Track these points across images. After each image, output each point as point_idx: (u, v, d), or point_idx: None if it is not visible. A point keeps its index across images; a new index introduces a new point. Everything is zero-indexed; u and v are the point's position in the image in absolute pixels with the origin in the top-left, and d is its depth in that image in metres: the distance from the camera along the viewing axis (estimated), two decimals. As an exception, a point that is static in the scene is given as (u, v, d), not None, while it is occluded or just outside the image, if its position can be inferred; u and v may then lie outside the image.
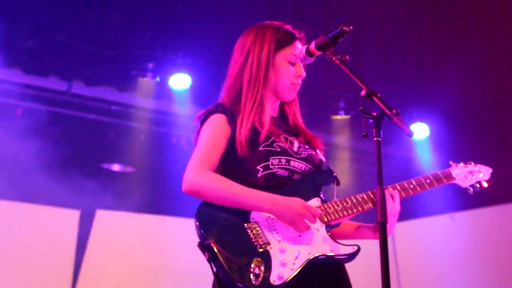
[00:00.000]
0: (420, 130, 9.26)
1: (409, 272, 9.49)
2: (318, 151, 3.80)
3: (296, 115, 3.90)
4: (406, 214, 8.92)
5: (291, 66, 3.76)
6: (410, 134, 3.08)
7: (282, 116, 3.89)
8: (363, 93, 3.18)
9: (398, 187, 3.71)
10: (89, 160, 9.54)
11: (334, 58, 3.38)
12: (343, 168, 9.45)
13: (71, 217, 9.02)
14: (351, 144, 9.70)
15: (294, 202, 3.40)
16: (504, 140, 9.24)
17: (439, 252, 9.34)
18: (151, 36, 8.39)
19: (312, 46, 3.50)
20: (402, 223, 9.29)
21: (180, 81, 8.65)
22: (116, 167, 9.88)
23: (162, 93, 8.91)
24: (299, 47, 3.72)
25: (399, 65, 9.21)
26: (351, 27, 3.33)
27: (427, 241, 9.35)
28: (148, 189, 9.51)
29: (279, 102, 3.88)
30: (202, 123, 3.69)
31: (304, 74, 3.78)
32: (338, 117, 9.33)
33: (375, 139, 3.11)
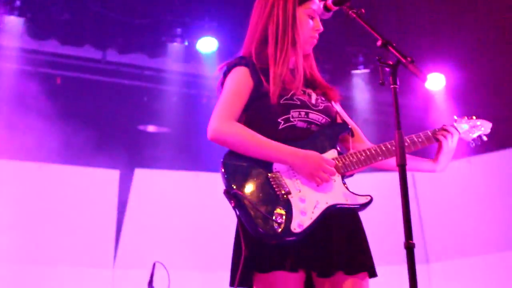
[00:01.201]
0: (436, 81, 9.17)
1: (431, 214, 9.46)
2: (333, 102, 3.78)
3: (312, 67, 3.85)
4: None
5: (310, 20, 3.72)
6: (424, 80, 3.06)
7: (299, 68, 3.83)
8: (378, 43, 3.16)
9: (408, 141, 3.64)
10: (126, 122, 9.60)
11: (350, 11, 3.37)
12: (364, 120, 9.41)
13: (111, 177, 9.08)
14: (371, 97, 9.66)
15: (313, 156, 3.39)
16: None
17: (459, 195, 9.29)
18: (178, 2, 8.36)
19: (329, 1, 3.48)
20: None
21: (208, 45, 8.64)
22: (151, 128, 9.94)
23: (191, 57, 8.91)
24: (317, 2, 3.70)
25: (413, 18, 9.08)
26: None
27: (447, 185, 9.28)
28: (182, 147, 9.54)
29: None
30: (225, 75, 3.66)
31: (321, 28, 3.72)
32: (358, 71, 9.30)
33: (392, 86, 3.09)
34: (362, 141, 3.81)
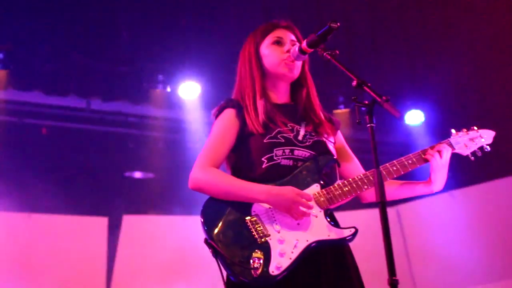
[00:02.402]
0: (415, 117, 9.22)
1: (418, 248, 9.46)
2: (326, 135, 3.75)
3: (309, 98, 3.83)
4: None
5: (277, 46, 3.77)
6: (400, 117, 3.05)
7: (294, 102, 3.86)
8: (354, 83, 3.17)
9: (397, 165, 3.61)
10: (113, 169, 9.58)
11: (324, 53, 3.39)
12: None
13: (100, 224, 9.05)
14: (352, 135, 9.68)
15: (286, 191, 3.37)
16: (496, 119, 9.19)
17: (443, 228, 9.30)
18: (159, 49, 8.40)
19: (304, 44, 3.51)
20: (404, 204, 9.28)
21: (190, 90, 8.64)
22: (138, 174, 9.92)
23: (174, 102, 8.90)
24: (287, 34, 3.81)
25: (391, 56, 9.16)
26: (338, 24, 3.33)
27: (431, 218, 9.31)
28: (168, 192, 9.51)
29: (287, 86, 3.86)
30: (216, 118, 3.72)
31: (292, 48, 3.69)
32: (339, 110, 9.33)
33: (368, 125, 3.10)
34: (356, 169, 3.82)
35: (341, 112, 9.30)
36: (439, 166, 3.60)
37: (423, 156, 3.63)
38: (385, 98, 3.04)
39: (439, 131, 8.96)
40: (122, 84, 8.63)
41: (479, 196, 9.16)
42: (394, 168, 3.58)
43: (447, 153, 3.63)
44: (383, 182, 3.03)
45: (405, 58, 9.29)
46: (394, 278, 2.88)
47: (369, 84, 3.15)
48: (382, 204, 2.98)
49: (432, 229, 9.42)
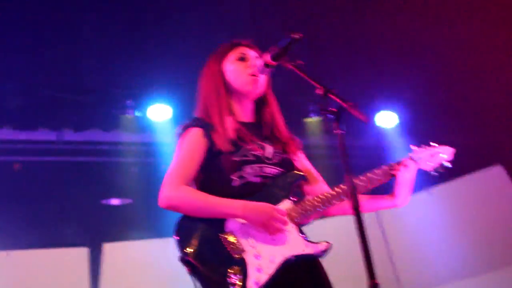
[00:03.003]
0: (388, 119, 9.25)
1: (400, 249, 9.46)
2: (291, 154, 3.79)
3: (273, 116, 3.87)
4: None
5: (241, 62, 3.79)
6: (366, 121, 3.07)
7: (258, 120, 3.88)
8: (319, 91, 3.19)
9: (365, 179, 3.59)
10: (89, 199, 9.52)
11: (288, 64, 3.41)
12: (322, 165, 9.42)
13: (80, 255, 8.95)
14: (326, 142, 9.70)
15: (263, 207, 3.39)
16: (467, 113, 9.30)
17: (423, 225, 9.32)
18: (125, 74, 8.35)
19: (268, 57, 3.53)
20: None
21: (160, 112, 8.62)
22: (114, 201, 9.87)
23: (145, 126, 8.87)
24: (249, 51, 3.86)
25: (362, 58, 9.16)
26: (301, 34, 3.35)
27: (411, 218, 9.32)
28: (147, 216, 9.47)
29: (252, 104, 3.88)
30: (180, 136, 3.70)
31: (256, 63, 3.74)
32: (310, 119, 9.34)
33: (336, 132, 3.11)
34: (321, 187, 3.82)
35: (313, 120, 9.32)
36: (405, 181, 3.62)
37: (390, 171, 3.63)
38: (351, 104, 3.06)
39: (414, 132, 9.05)
40: (91, 113, 8.62)
41: (456, 192, 9.21)
42: (361, 184, 3.57)
43: (412, 168, 3.63)
44: (355, 188, 3.05)
45: (374, 61, 9.31)
46: (374, 281, 2.87)
47: (333, 91, 3.17)
48: (356, 210, 2.99)
49: (413, 228, 9.43)
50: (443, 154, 3.73)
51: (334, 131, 3.11)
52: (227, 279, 3.23)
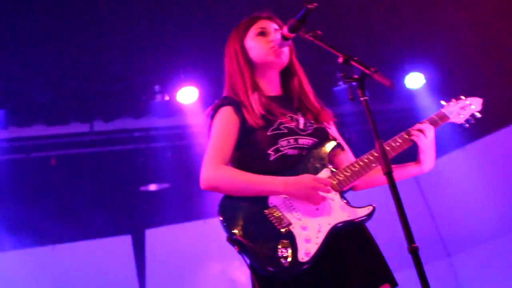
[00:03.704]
0: (415, 80, 9.17)
1: (441, 209, 9.44)
2: (325, 123, 3.77)
3: (302, 86, 3.84)
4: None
5: (262, 37, 3.77)
6: (391, 86, 3.03)
7: (286, 93, 3.86)
8: (340, 60, 3.17)
9: (387, 147, 3.58)
10: (127, 187, 9.60)
11: (306, 35, 3.40)
12: (356, 132, 9.39)
13: (124, 243, 9.06)
14: (357, 109, 9.62)
15: (304, 178, 3.38)
16: (498, 67, 9.18)
17: (461, 183, 9.27)
18: (150, 60, 8.34)
19: (285, 30, 3.51)
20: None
21: (188, 94, 8.60)
22: (153, 187, 9.93)
23: (175, 110, 8.86)
24: (269, 24, 3.82)
25: (384, 23, 9.06)
26: (315, 4, 3.31)
27: (448, 176, 9.28)
28: (186, 199, 9.51)
29: (278, 76, 3.86)
30: (212, 117, 3.68)
31: (275, 37, 3.70)
32: (339, 88, 9.25)
33: (362, 98, 3.09)
34: (349, 157, 3.80)
35: (342, 88, 9.23)
36: (426, 145, 3.62)
37: (408, 137, 3.63)
38: (373, 69, 3.04)
39: (441, 92, 8.95)
40: (120, 101, 8.61)
41: (490, 147, 9.12)
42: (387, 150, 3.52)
43: (429, 132, 3.65)
44: (386, 153, 3.03)
45: (399, 23, 9.20)
46: (413, 245, 2.84)
47: (355, 58, 3.14)
48: (389, 175, 2.98)
49: (451, 186, 9.40)
50: (473, 105, 3.85)
51: (360, 98, 3.09)
52: (278, 252, 3.22)
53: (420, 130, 3.63)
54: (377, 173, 3.60)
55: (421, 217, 9.37)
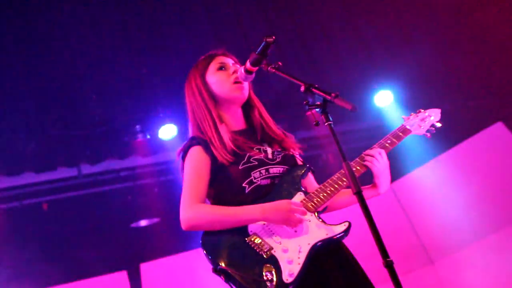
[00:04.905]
0: (384, 98, 9.22)
1: (421, 218, 9.44)
2: (291, 150, 3.78)
3: (263, 117, 3.87)
4: (397, 172, 8.96)
5: (222, 71, 3.77)
6: (353, 110, 3.04)
7: (249, 125, 3.87)
8: (302, 88, 3.18)
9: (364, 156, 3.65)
10: (119, 225, 9.53)
11: (269, 68, 3.41)
12: (333, 152, 9.42)
13: (121, 279, 8.98)
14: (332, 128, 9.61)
15: (280, 203, 3.39)
16: (459, 78, 9.27)
17: (437, 192, 9.30)
18: (129, 102, 8.34)
19: (248, 64, 3.52)
20: (397, 181, 9.27)
21: (168, 131, 8.60)
22: (143, 222, 9.87)
23: (157, 147, 8.86)
24: (227, 59, 3.85)
25: (349, 44, 9.12)
26: (273, 37, 3.33)
27: (424, 187, 9.31)
28: (177, 230, 9.45)
29: (240, 110, 3.87)
30: (183, 158, 3.67)
31: (238, 71, 3.69)
32: (313, 110, 9.24)
33: (326, 123, 3.10)
34: (312, 181, 3.84)
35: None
36: (379, 170, 3.64)
37: (362, 162, 3.64)
38: (334, 95, 3.05)
39: (409, 107, 8.99)
40: (105, 144, 8.59)
41: (462, 155, 9.16)
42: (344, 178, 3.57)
43: (381, 157, 3.66)
44: (354, 175, 3.03)
45: (364, 45, 9.27)
46: (387, 259, 2.85)
47: (316, 86, 3.15)
48: (359, 194, 2.97)
49: (428, 196, 9.42)
50: (432, 116, 3.92)
51: (324, 124, 3.10)
52: (263, 277, 3.22)
53: (371, 155, 3.64)
54: (347, 194, 3.62)
55: (402, 228, 9.38)
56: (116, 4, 8.27)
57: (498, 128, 9.02)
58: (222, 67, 3.81)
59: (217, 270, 3.30)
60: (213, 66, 3.83)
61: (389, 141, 3.76)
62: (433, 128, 3.92)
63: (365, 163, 3.62)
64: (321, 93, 3.09)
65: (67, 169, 8.80)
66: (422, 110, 3.97)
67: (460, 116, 8.56)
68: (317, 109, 3.12)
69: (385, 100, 9.22)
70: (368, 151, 3.68)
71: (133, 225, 9.81)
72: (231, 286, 3.30)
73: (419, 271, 9.03)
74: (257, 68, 3.50)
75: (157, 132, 8.62)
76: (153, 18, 8.42)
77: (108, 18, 8.19)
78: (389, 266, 2.84)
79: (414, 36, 8.92)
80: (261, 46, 3.37)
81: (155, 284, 9.15)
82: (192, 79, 3.88)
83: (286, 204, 3.37)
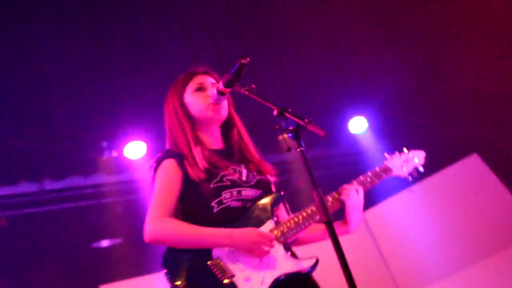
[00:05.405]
0: (359, 124, 9.27)
1: (390, 249, 9.44)
2: (268, 175, 3.77)
3: (242, 137, 3.87)
4: (369, 201, 8.98)
5: (200, 93, 3.76)
6: (325, 136, 3.05)
7: (228, 145, 3.85)
8: (275, 112, 3.18)
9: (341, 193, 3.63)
10: (79, 245, 9.43)
11: (242, 90, 3.41)
12: (304, 177, 9.42)
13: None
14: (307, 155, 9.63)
15: (249, 233, 3.37)
16: (435, 108, 9.35)
17: (410, 223, 9.32)
18: (96, 117, 8.29)
19: (221, 86, 3.52)
20: (370, 210, 9.29)
21: (136, 149, 8.55)
22: (105, 242, 9.78)
23: (123, 165, 8.81)
24: (206, 78, 3.86)
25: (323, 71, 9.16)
26: (248, 59, 3.34)
27: (396, 217, 9.33)
28: (140, 252, 9.39)
29: (219, 129, 3.86)
30: (155, 170, 3.66)
31: (210, 92, 3.72)
32: (285, 135, 9.25)
33: (298, 149, 3.10)
34: (284, 212, 3.81)
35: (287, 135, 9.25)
36: (354, 206, 3.62)
37: (338, 197, 3.63)
38: (308, 120, 3.05)
39: (384, 135, 9.07)
40: (69, 159, 8.53)
41: (436, 186, 9.20)
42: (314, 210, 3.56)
43: (359, 193, 3.66)
44: (325, 204, 3.01)
45: (339, 70, 9.31)
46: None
47: (289, 110, 3.16)
48: (328, 224, 2.97)
49: (400, 227, 9.44)
50: (416, 159, 3.85)
51: (296, 149, 3.10)
52: None
53: (348, 190, 3.63)
54: (319, 229, 3.61)
55: (373, 258, 9.38)
56: (89, 17, 8.23)
57: (474, 159, 9.08)
58: (200, 88, 3.80)
59: None
60: (191, 86, 3.83)
61: (369, 179, 3.74)
62: (415, 172, 3.88)
63: (341, 197, 3.61)
64: (294, 118, 3.08)
65: (29, 184, 8.70)
66: (406, 151, 3.92)
67: (435, 145, 8.62)
68: (289, 134, 3.11)
69: (359, 127, 9.26)
70: (346, 185, 3.66)
71: (94, 245, 9.72)
72: None
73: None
74: (230, 89, 3.50)
75: (123, 149, 8.56)
76: (128, 34, 8.39)
77: (79, 29, 8.16)
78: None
79: (391, 62, 8.98)
80: (235, 68, 3.37)
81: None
82: (170, 98, 3.89)
83: (254, 235, 3.35)
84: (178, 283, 3.27)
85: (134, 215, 9.15)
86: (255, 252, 3.32)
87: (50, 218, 9.05)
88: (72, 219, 9.17)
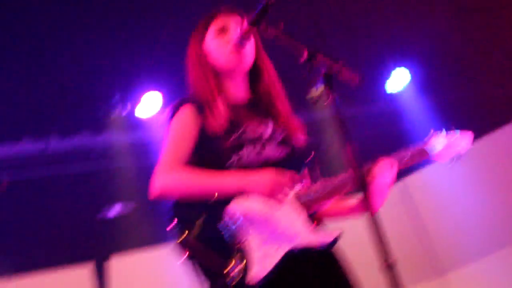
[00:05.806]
0: (401, 76, 9.20)
1: (433, 219, 9.39)
2: (294, 133, 3.69)
3: (270, 89, 3.75)
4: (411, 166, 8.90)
5: (222, 37, 3.69)
6: (359, 82, 2.94)
7: (255, 95, 3.77)
8: (303, 59, 3.09)
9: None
10: (90, 210, 9.48)
11: (268, 30, 3.31)
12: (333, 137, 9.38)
13: (87, 270, 8.94)
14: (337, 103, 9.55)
15: (267, 170, 3.26)
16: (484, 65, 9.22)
17: (454, 191, 9.24)
18: (110, 69, 8.28)
19: (244, 25, 3.44)
20: (410, 176, 9.21)
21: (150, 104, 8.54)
22: (117, 208, 9.82)
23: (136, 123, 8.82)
24: (230, 19, 3.72)
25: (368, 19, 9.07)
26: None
27: (440, 184, 9.26)
28: (152, 220, 9.42)
29: (245, 77, 3.76)
30: (172, 117, 3.57)
31: (236, 36, 3.62)
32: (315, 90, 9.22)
33: (330, 98, 3.01)
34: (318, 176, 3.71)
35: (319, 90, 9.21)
36: (381, 185, 3.46)
37: (369, 173, 3.47)
38: (341, 63, 2.97)
39: (427, 90, 8.97)
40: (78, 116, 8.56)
41: (481, 153, 9.05)
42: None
43: (391, 170, 3.49)
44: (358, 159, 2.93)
45: (380, 21, 9.21)
46: (389, 260, 2.71)
47: (322, 51, 3.07)
48: (362, 181, 2.89)
49: (444, 195, 9.36)
50: (462, 144, 3.64)
51: (327, 98, 3.01)
52: (227, 270, 3.13)
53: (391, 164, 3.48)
54: (348, 203, 3.54)
55: (411, 231, 9.34)
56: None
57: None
58: (222, 29, 3.71)
59: (182, 243, 3.19)
60: (214, 27, 3.73)
61: (407, 159, 3.54)
62: (458, 157, 3.64)
63: (369, 178, 3.43)
64: (328, 61, 2.99)
65: (34, 142, 8.73)
66: (454, 131, 3.66)
67: (485, 105, 8.50)
68: (320, 82, 3.02)
69: (400, 82, 9.18)
70: (380, 162, 3.48)
71: (104, 211, 9.76)
72: (193, 264, 3.19)
73: (426, 283, 9.01)
74: (255, 28, 3.39)
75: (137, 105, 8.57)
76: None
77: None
78: (389, 267, 2.72)
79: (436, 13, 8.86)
80: (260, 7, 3.26)
81: (125, 277, 9.10)
82: (191, 45, 3.78)
83: (273, 171, 3.24)
84: (187, 237, 3.19)
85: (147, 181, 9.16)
86: (273, 192, 3.19)
87: (55, 181, 9.08)
88: (80, 183, 9.19)
